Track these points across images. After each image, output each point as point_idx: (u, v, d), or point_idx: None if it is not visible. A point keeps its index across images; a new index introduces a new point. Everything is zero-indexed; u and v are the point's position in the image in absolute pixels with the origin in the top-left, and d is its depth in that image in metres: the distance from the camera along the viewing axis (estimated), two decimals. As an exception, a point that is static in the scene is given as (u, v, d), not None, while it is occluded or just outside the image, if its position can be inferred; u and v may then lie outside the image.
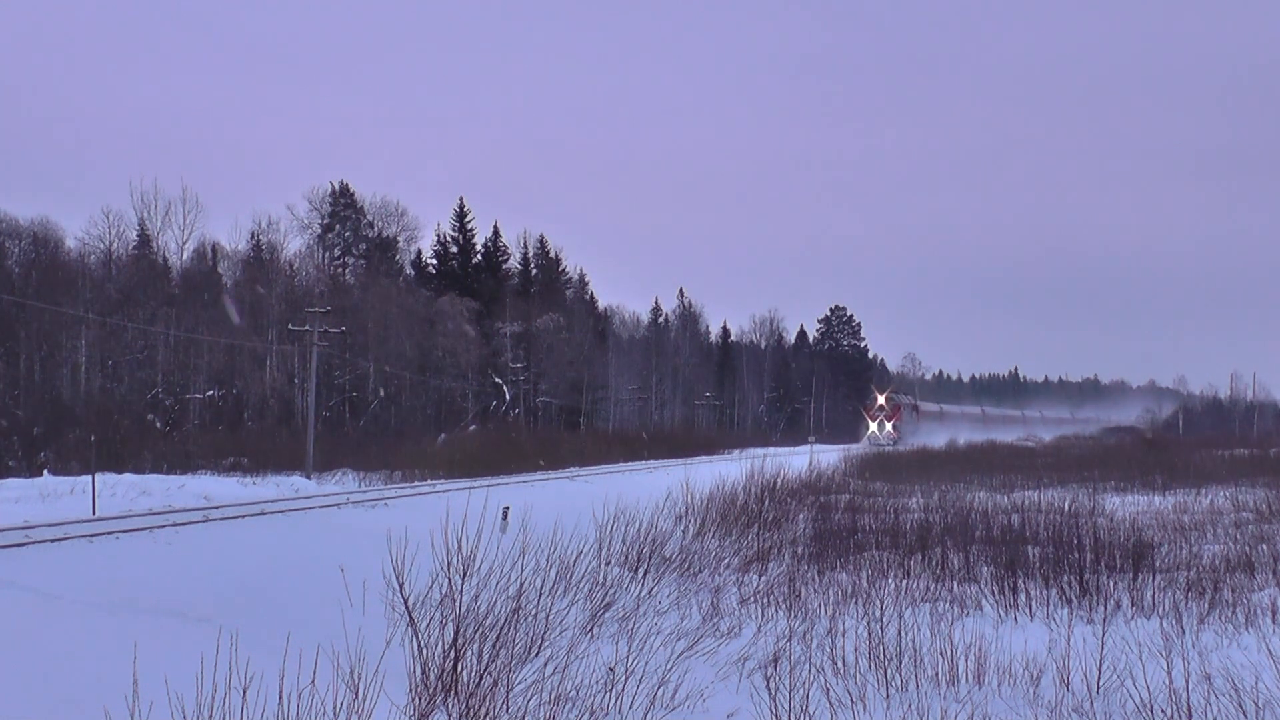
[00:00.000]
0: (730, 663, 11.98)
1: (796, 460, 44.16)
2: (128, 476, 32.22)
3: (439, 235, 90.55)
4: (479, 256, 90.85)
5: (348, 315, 64.53)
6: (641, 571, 17.12)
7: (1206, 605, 15.17)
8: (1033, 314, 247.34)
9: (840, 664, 11.61)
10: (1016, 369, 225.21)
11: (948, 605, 15.56)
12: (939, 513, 24.71)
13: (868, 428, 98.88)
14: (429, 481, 41.26)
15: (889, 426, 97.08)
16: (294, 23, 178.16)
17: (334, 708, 7.78)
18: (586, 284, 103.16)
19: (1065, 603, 15.85)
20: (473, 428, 70.70)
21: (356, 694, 8.02)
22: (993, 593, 16.44)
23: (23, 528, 19.71)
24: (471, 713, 9.06)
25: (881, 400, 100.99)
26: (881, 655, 11.56)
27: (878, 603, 13.99)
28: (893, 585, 16.68)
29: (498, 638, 9.86)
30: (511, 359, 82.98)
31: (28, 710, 8.79)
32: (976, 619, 14.70)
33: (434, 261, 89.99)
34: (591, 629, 12.97)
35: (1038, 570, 17.42)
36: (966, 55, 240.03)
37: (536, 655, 10.77)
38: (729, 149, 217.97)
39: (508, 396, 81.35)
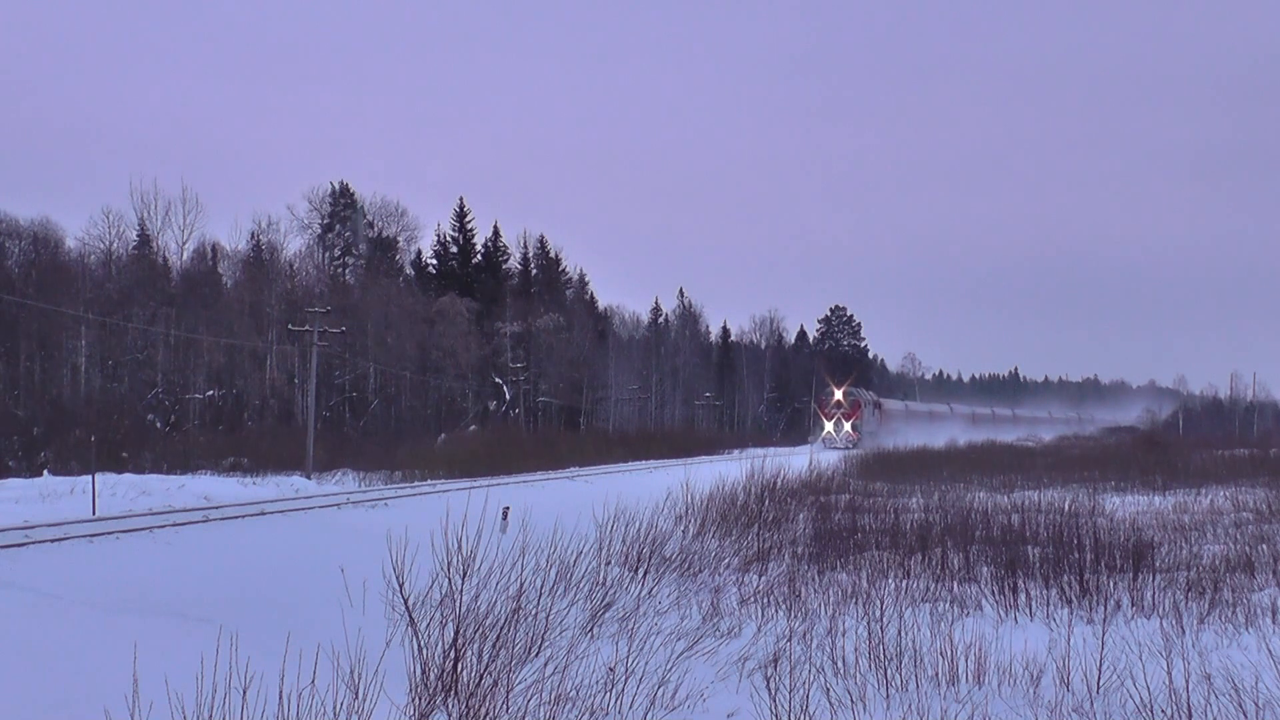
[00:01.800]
0: (730, 663, 11.96)
1: (796, 460, 44.06)
2: (128, 476, 32.21)
3: (439, 235, 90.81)
4: (479, 256, 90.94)
5: (348, 315, 64.56)
6: (641, 571, 17.10)
7: (1206, 605, 15.15)
8: (1033, 314, 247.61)
9: (840, 664, 11.59)
10: (1016, 369, 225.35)
11: (948, 605, 15.54)
12: (939, 513, 24.68)
13: (822, 427, 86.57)
14: (429, 481, 41.27)
15: (847, 426, 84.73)
16: (294, 23, 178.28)
17: (334, 708, 7.78)
18: (586, 284, 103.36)
19: (1065, 603, 15.83)
20: (473, 428, 70.73)
21: (356, 694, 8.03)
22: (993, 593, 16.42)
23: (23, 528, 19.72)
24: (471, 713, 9.05)
25: (839, 395, 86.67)
26: (881, 655, 11.54)
27: (878, 603, 13.95)
28: (893, 585, 16.64)
29: (498, 638, 9.85)
30: (511, 359, 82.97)
31: (28, 710, 8.79)
32: (976, 619, 14.67)
33: (434, 261, 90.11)
34: (591, 629, 12.95)
35: (1038, 570, 17.39)
36: (965, 55, 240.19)
37: (536, 655, 10.75)
38: (728, 149, 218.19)
39: (508, 396, 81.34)
